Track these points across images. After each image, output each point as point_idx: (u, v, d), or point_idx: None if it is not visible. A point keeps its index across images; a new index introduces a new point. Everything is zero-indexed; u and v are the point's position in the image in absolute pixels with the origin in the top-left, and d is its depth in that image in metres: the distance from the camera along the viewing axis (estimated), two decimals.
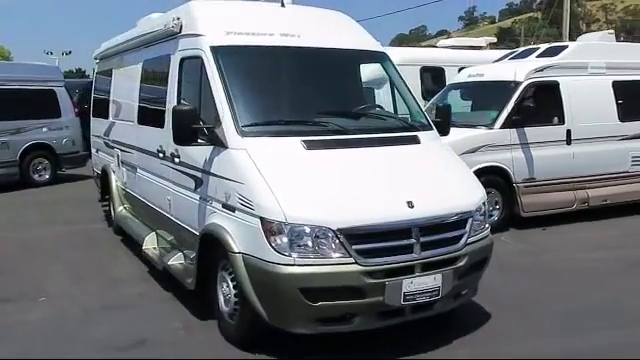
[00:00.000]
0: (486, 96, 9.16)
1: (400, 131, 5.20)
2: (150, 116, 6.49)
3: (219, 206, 4.72)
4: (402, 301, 4.26)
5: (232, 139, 4.62)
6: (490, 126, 8.54)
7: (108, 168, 8.42)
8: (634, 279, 6.45)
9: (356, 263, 4.11)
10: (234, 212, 4.48)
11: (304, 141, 4.62)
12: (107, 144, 8.49)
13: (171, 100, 5.71)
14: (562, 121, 8.93)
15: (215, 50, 5.04)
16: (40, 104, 13.08)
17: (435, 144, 5.25)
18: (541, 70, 8.92)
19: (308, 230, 4.09)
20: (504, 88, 8.83)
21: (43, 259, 7.39)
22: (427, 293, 4.36)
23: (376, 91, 6.96)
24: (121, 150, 7.74)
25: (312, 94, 5.35)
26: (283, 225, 4.08)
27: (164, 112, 5.87)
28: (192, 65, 5.39)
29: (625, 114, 9.44)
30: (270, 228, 4.13)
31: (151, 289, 6.19)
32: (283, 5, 5.79)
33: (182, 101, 5.55)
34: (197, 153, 5.01)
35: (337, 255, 4.11)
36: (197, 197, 5.14)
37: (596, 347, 4.77)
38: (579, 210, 9.11)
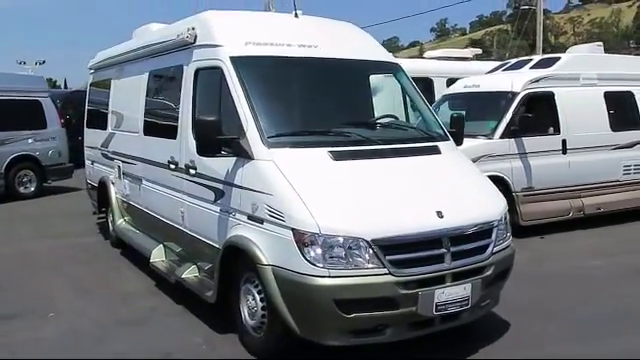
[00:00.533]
0: (483, 106, 9.27)
1: (420, 141, 5.23)
2: (159, 127, 6.41)
3: (244, 218, 4.67)
4: (434, 311, 4.26)
5: (258, 150, 4.59)
6: (489, 136, 8.65)
7: (107, 180, 8.26)
8: (635, 285, 6.56)
9: (390, 274, 4.11)
10: (262, 224, 4.44)
11: (331, 152, 4.60)
12: (106, 155, 8.35)
13: (185, 111, 5.65)
14: (558, 131, 9.09)
15: (235, 60, 5.01)
16: (25, 115, 12.86)
17: (454, 154, 5.29)
18: (537, 81, 9.08)
19: (342, 241, 4.07)
20: (501, 99, 8.96)
21: (44, 274, 7.22)
22: (457, 303, 4.37)
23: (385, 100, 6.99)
24: (123, 161, 7.62)
25: (333, 105, 5.36)
26: (317, 236, 4.06)
27: (176, 123, 5.81)
28: (209, 76, 5.34)
29: (616, 124, 9.66)
30: (303, 239, 4.10)
31: (162, 303, 6.09)
32: (297, 16, 5.80)
33: (198, 112, 5.49)
34: (218, 165, 4.95)
35: (371, 266, 4.09)
36: (217, 209, 5.08)
37: (613, 353, 4.83)
38: (574, 218, 9.27)
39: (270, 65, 5.17)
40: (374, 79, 6.32)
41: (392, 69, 5.97)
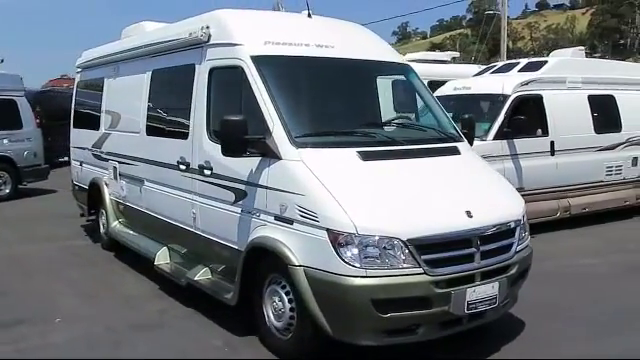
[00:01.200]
0: (475, 108, 9.40)
1: (440, 142, 5.27)
2: (166, 127, 6.30)
3: (270, 218, 4.62)
4: (466, 310, 4.31)
5: (286, 150, 4.55)
6: (483, 137, 8.77)
7: (100, 181, 8.07)
8: (633, 284, 6.75)
9: (425, 273, 4.13)
10: (292, 224, 4.40)
11: (359, 152, 4.61)
12: (98, 156, 8.14)
13: (198, 111, 5.56)
14: (546, 133, 9.29)
15: (257, 60, 4.96)
16: (0, 115, 12.41)
17: (472, 155, 5.36)
18: (526, 84, 9.27)
19: (378, 241, 4.07)
20: (493, 101, 9.12)
21: (40, 278, 7.01)
22: (486, 301, 4.43)
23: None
24: (120, 162, 7.45)
25: (352, 105, 5.36)
26: (353, 236, 4.05)
27: (187, 123, 5.71)
28: (227, 75, 5.28)
29: (599, 126, 9.94)
30: (338, 240, 4.09)
31: (170, 306, 5.98)
32: (310, 16, 5.78)
33: (213, 111, 5.41)
34: (240, 165, 4.88)
35: (406, 265, 4.11)
36: (238, 210, 5.02)
37: (628, 349, 4.95)
38: (560, 218, 9.49)
39: (291, 65, 5.14)
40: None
41: (404, 70, 6.01)
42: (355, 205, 4.18)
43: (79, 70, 9.27)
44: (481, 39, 52.85)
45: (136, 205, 7.12)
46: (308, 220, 4.27)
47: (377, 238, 4.07)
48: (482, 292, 4.38)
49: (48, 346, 5.01)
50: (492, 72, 10.48)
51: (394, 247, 4.09)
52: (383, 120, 5.75)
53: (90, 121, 8.50)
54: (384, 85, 6.48)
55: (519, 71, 9.87)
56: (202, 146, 5.46)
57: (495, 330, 5.15)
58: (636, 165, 10.49)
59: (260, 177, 4.73)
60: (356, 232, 4.05)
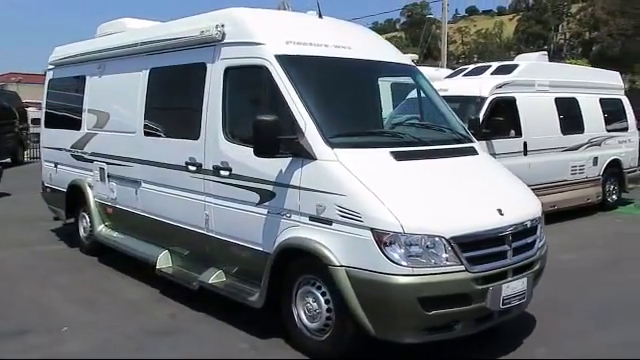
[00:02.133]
0: (454, 110, 9.62)
1: (458, 142, 5.40)
2: (170, 127, 6.14)
3: (304, 219, 4.59)
4: (501, 305, 4.44)
5: (321, 151, 4.53)
6: None
7: (82, 183, 7.74)
8: (622, 276, 7.13)
9: (466, 270, 4.23)
10: (330, 225, 4.39)
11: (392, 152, 4.65)
12: (80, 157, 7.80)
13: (212, 110, 5.44)
14: (520, 134, 9.67)
15: (282, 59, 4.92)
16: None
17: (487, 155, 5.53)
18: (501, 87, 9.62)
19: (422, 240, 4.13)
20: (471, 103, 9.39)
21: (27, 285, 6.64)
22: (517, 296, 4.58)
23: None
24: (108, 163, 7.18)
25: (375, 105, 5.40)
26: (400, 235, 4.09)
27: (198, 123, 5.58)
28: (246, 74, 5.22)
29: (565, 128, 10.46)
30: (384, 239, 4.12)
31: (178, 310, 5.82)
32: (321, 16, 5.78)
33: (227, 111, 5.33)
34: (267, 165, 4.81)
35: (450, 263, 4.19)
36: (263, 211, 4.95)
37: (631, 340, 5.18)
38: None
39: (315, 65, 5.12)
40: None
41: (413, 72, 6.10)
42: (399, 205, 4.22)
43: (51, 67, 8.84)
44: (415, 42, 54.08)
45: (129, 207, 6.87)
46: (350, 220, 4.27)
47: (422, 237, 4.13)
48: (514, 288, 4.53)
49: (70, 354, 4.79)
50: (464, 75, 10.79)
51: (438, 245, 4.17)
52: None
53: (68, 121, 8.13)
54: (383, 87, 6.60)
55: (492, 74, 10.21)
56: (217, 146, 5.36)
57: (512, 325, 5.29)
58: (596, 165, 11.10)
59: (291, 177, 4.68)
60: (403, 231, 4.09)
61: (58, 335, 5.20)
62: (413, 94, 10.47)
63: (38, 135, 25.86)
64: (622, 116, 11.93)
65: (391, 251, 4.11)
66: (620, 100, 12.01)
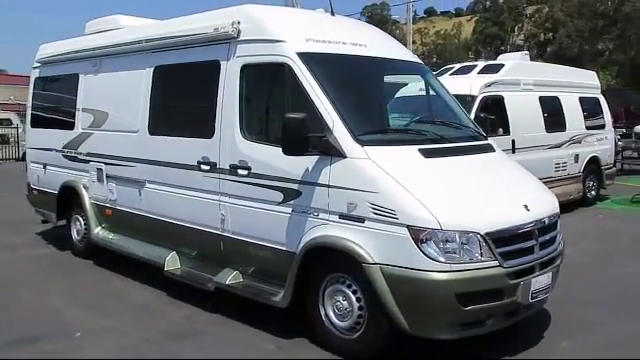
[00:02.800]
0: None
1: (476, 140, 5.45)
2: (181, 126, 6.01)
3: (334, 217, 4.55)
4: (530, 299, 4.50)
5: (351, 148, 4.50)
6: None
7: (77, 184, 7.51)
8: (620, 269, 7.32)
9: (500, 266, 4.27)
10: (363, 222, 4.38)
11: (420, 149, 4.66)
12: (73, 158, 7.57)
13: (227, 108, 5.35)
14: (508, 132, 9.83)
15: (304, 57, 4.88)
16: None
17: (502, 152, 5.59)
18: (489, 85, 9.77)
19: (458, 236, 4.16)
20: (461, 101, 9.42)
21: (26, 290, 6.41)
22: (544, 290, 4.66)
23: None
24: (107, 164, 6.99)
25: (385, 103, 5.39)
26: (437, 232, 4.11)
27: (212, 121, 5.48)
28: (265, 72, 5.17)
29: (549, 126, 10.70)
30: (420, 236, 4.13)
31: (192, 312, 5.71)
32: (333, 14, 5.76)
33: (244, 109, 5.25)
34: (292, 164, 4.74)
35: (484, 259, 4.23)
36: (288, 210, 4.89)
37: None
38: None
39: (337, 62, 5.10)
40: None
41: (422, 70, 6.13)
42: (434, 201, 4.23)
43: (37, 65, 8.54)
44: None
45: (131, 208, 6.69)
46: (384, 217, 4.26)
47: (458, 233, 4.15)
48: (542, 282, 4.60)
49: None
50: (451, 74, 10.91)
51: (472, 241, 4.20)
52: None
53: (58, 120, 7.90)
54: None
55: (479, 73, 10.36)
56: (235, 145, 5.27)
57: (530, 320, 5.32)
58: (577, 162, 11.38)
59: (319, 176, 4.64)
60: (440, 228, 4.10)
61: (74, 341, 5.03)
62: (403, 92, 10.69)
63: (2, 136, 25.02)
64: (599, 114, 12.29)
65: (428, 247, 4.12)
66: (597, 99, 12.37)
